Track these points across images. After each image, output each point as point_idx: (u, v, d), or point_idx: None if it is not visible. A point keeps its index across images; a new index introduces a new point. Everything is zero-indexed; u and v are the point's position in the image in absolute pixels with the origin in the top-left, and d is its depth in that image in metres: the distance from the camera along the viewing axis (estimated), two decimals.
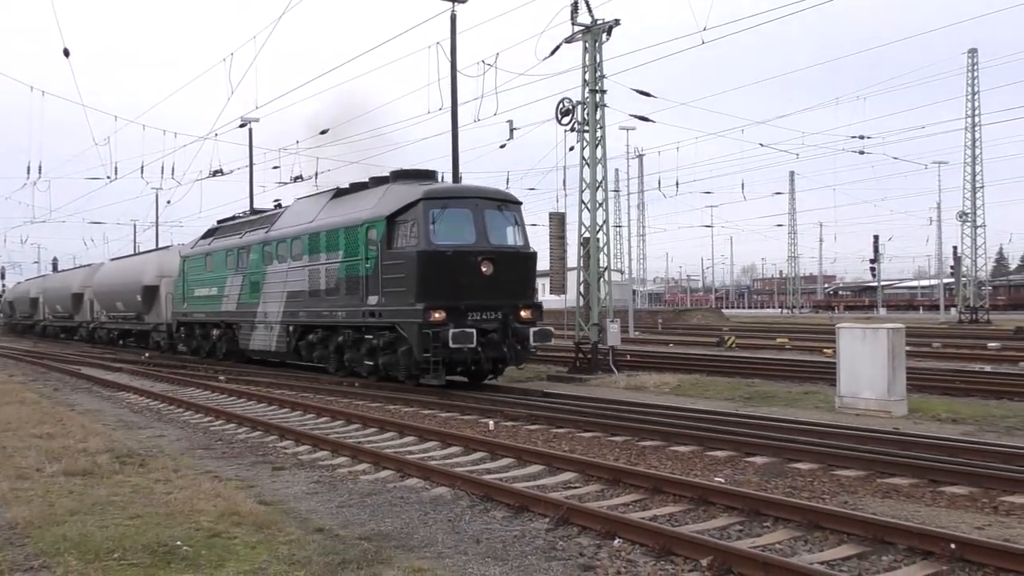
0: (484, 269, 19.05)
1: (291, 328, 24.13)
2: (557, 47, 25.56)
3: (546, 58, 27.75)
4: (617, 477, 9.74)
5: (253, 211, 29.69)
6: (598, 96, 24.39)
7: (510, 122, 23.31)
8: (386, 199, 20.39)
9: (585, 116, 23.60)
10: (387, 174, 22.02)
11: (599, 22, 26.23)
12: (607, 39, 26.82)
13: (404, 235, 19.41)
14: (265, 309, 25.58)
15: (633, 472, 9.84)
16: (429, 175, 21.30)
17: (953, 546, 6.74)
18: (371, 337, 20.30)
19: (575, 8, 26.04)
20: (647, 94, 27.02)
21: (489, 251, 19.23)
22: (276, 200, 28.79)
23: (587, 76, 24.85)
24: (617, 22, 26.94)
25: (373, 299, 20.12)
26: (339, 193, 23.58)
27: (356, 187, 23.08)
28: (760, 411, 15.56)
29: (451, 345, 18.18)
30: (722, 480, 9.77)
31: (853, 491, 9.33)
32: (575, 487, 9.68)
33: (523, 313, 19.72)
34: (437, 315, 18.57)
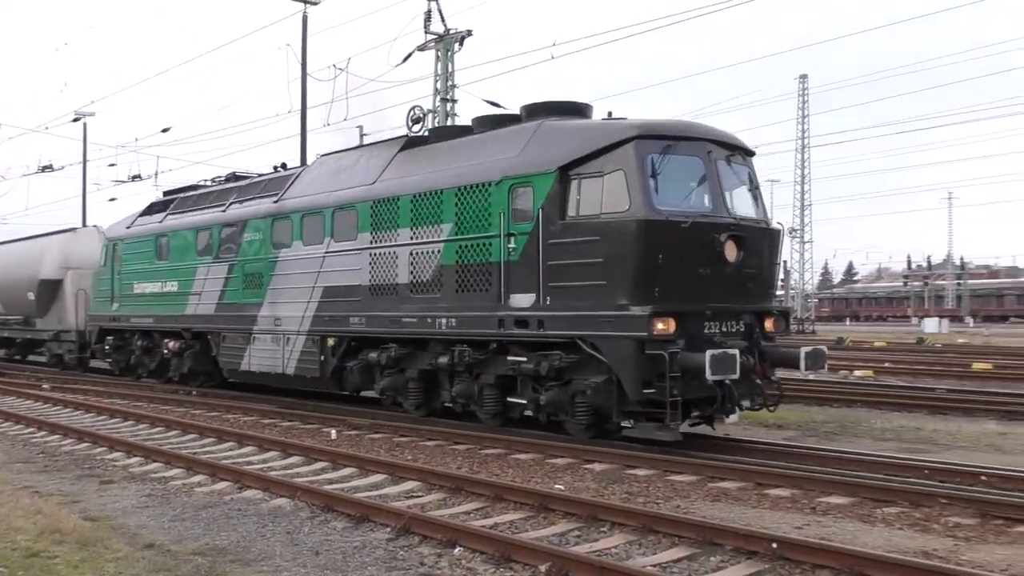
0: (728, 254, 11.89)
1: (328, 342, 16.22)
2: (409, 54, 27.13)
3: (398, 65, 29.62)
4: (459, 485, 9.85)
5: (235, 176, 21.45)
6: (449, 105, 25.83)
7: (360, 127, 22.97)
8: (544, 141, 12.90)
9: (436, 124, 23.90)
10: (516, 112, 14.50)
11: (452, 32, 27.56)
12: (459, 49, 28.50)
13: (595, 196, 11.99)
14: (274, 313, 17.53)
15: (475, 480, 10.01)
16: (581, 110, 13.92)
17: (775, 545, 7.10)
18: (522, 360, 12.70)
19: (428, 17, 27.45)
20: (497, 105, 26.97)
21: (734, 225, 12.09)
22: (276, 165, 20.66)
23: (439, 85, 26.23)
24: (470, 33, 28.26)
25: (523, 298, 12.62)
26: (414, 143, 15.84)
27: (447, 132, 15.42)
28: None
29: (710, 377, 10.93)
30: (562, 487, 9.90)
31: (686, 495, 9.67)
32: (418, 496, 9.73)
33: (768, 324, 12.63)
34: (663, 325, 11.28)
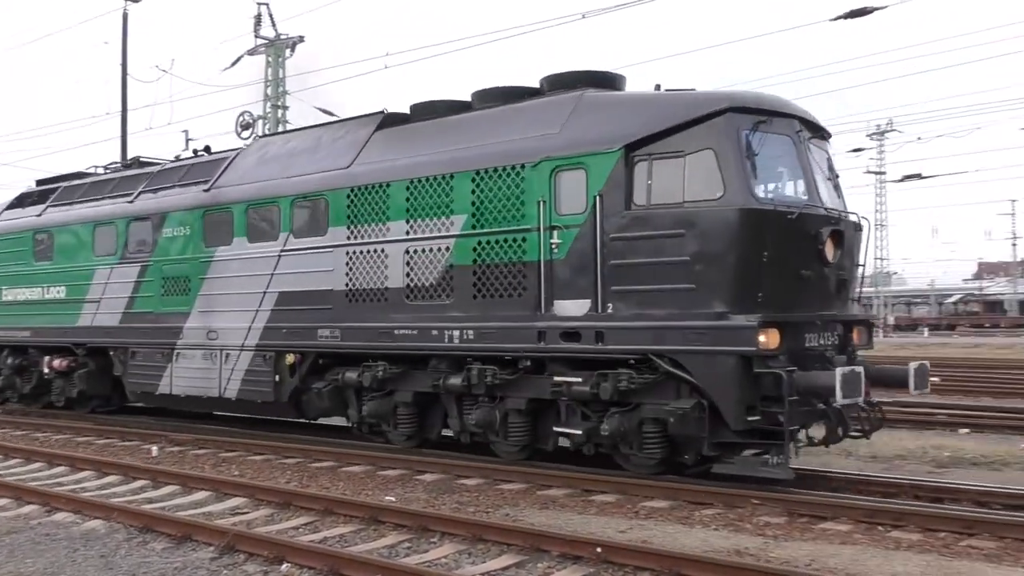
0: (828, 252, 10.00)
1: (286, 359, 13.40)
2: (239, 58, 27.41)
3: (227, 68, 28.43)
4: (288, 500, 9.66)
5: (139, 162, 18.03)
6: (280, 112, 26.29)
7: (186, 131, 21.66)
8: (592, 116, 10.67)
9: (267, 131, 23.42)
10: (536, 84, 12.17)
11: (283, 37, 28.04)
12: (291, 55, 28.40)
13: (673, 181, 9.85)
14: (207, 324, 14.52)
15: (304, 494, 9.81)
16: (615, 81, 11.76)
17: (599, 550, 7.30)
18: (574, 381, 10.39)
19: (258, 21, 27.39)
20: (329, 112, 26.66)
21: (835, 219, 10.23)
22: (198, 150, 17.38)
23: (269, 90, 26.66)
24: (301, 39, 28.38)
25: (572, 306, 10.35)
26: (395, 120, 13.25)
27: (440, 108, 12.89)
28: None
29: (840, 400, 9.00)
30: (393, 499, 9.79)
31: (515, 503, 9.67)
32: (244, 512, 9.47)
33: (855, 335, 10.82)
34: (769, 338, 9.27)
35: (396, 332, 11.99)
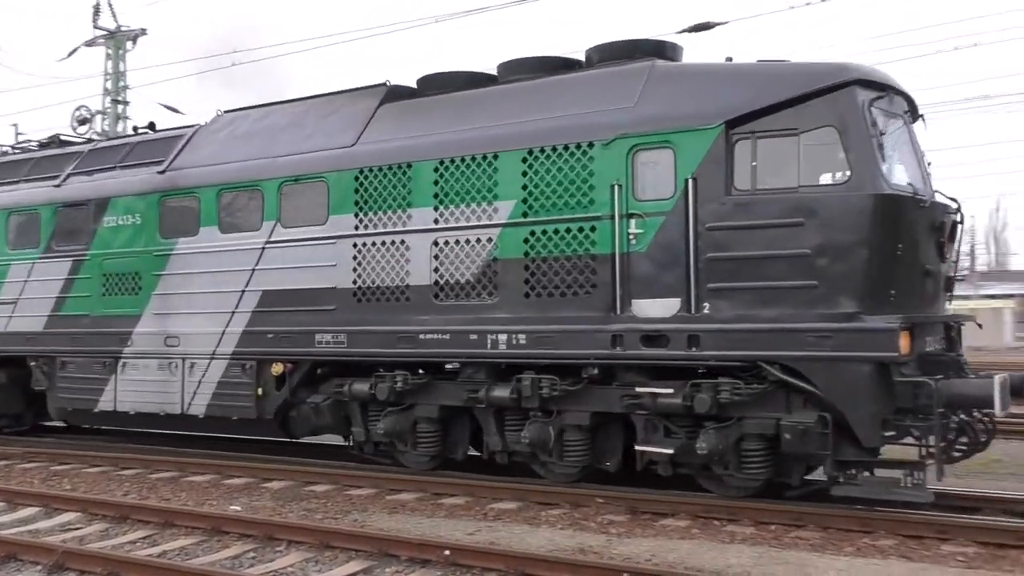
0: (943, 242, 8.98)
1: (271, 369, 11.50)
2: (75, 49, 26.16)
3: (62, 59, 29.98)
4: (125, 514, 9.28)
5: (59, 140, 15.48)
6: (120, 107, 25.47)
7: (15, 126, 22.62)
8: (673, 89, 9.31)
9: (105, 127, 23.16)
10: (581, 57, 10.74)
11: (124, 29, 26.88)
12: (132, 48, 27.44)
13: (785, 163, 8.62)
14: (165, 328, 12.42)
15: (142, 507, 9.44)
16: (672, 51, 10.43)
17: (448, 552, 7.34)
18: (663, 392, 8.97)
19: (97, 11, 26.21)
20: (175, 110, 26.19)
21: (953, 210, 9.24)
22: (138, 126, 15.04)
23: (108, 84, 25.68)
24: (144, 31, 27.38)
25: (655, 305, 8.98)
26: (401, 93, 11.57)
27: (459, 81, 11.28)
28: None
29: (1000, 411, 7.96)
30: (238, 508, 9.61)
31: (364, 508, 9.55)
32: (76, 528, 9.05)
33: (955, 334, 9.83)
34: (905, 342, 8.14)
35: (421, 337, 10.31)
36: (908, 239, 8.34)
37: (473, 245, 10.08)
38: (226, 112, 13.21)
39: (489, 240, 9.97)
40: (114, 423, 13.55)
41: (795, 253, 8.37)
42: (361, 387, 10.77)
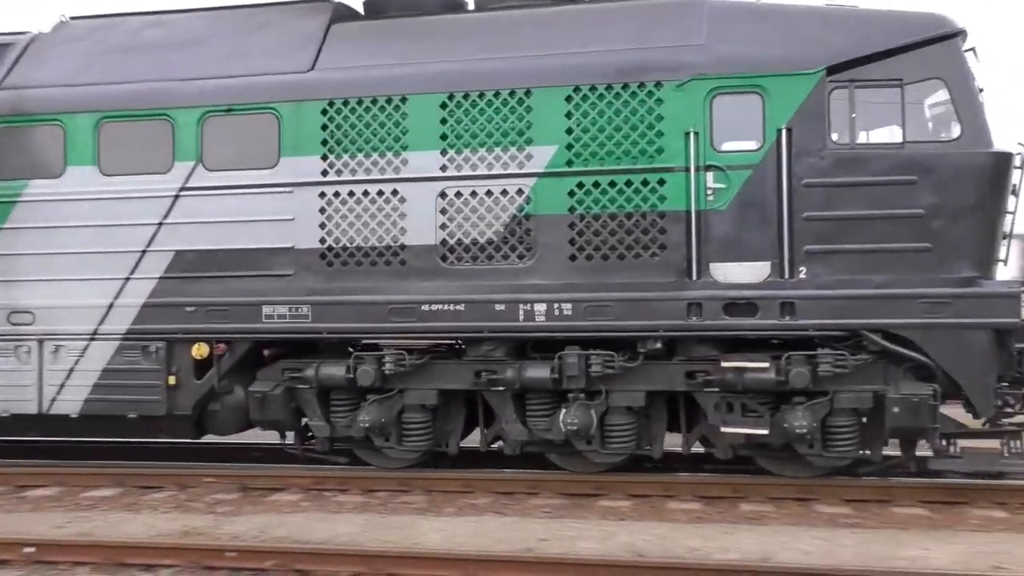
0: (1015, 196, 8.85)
1: (190, 352, 9.01)
2: None
3: None
4: None
5: None
6: None
7: None
8: (752, 28, 8.29)
9: None
10: None
11: None
12: None
13: (887, 116, 8.00)
14: (4, 300, 9.35)
15: None
16: None
17: (31, 550, 6.82)
18: (756, 367, 7.97)
19: None
20: None
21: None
22: None
23: None
24: None
25: (741, 270, 8.01)
26: (359, 14, 9.53)
27: (428, 4, 9.44)
28: None
29: None
30: None
31: None
32: None
33: None
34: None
35: (424, 308, 8.48)
36: (1012, 201, 8.06)
37: (497, 198, 8.43)
38: (75, 18, 10.16)
39: (519, 192, 8.38)
40: None
41: (907, 213, 7.77)
42: (333, 371, 8.69)
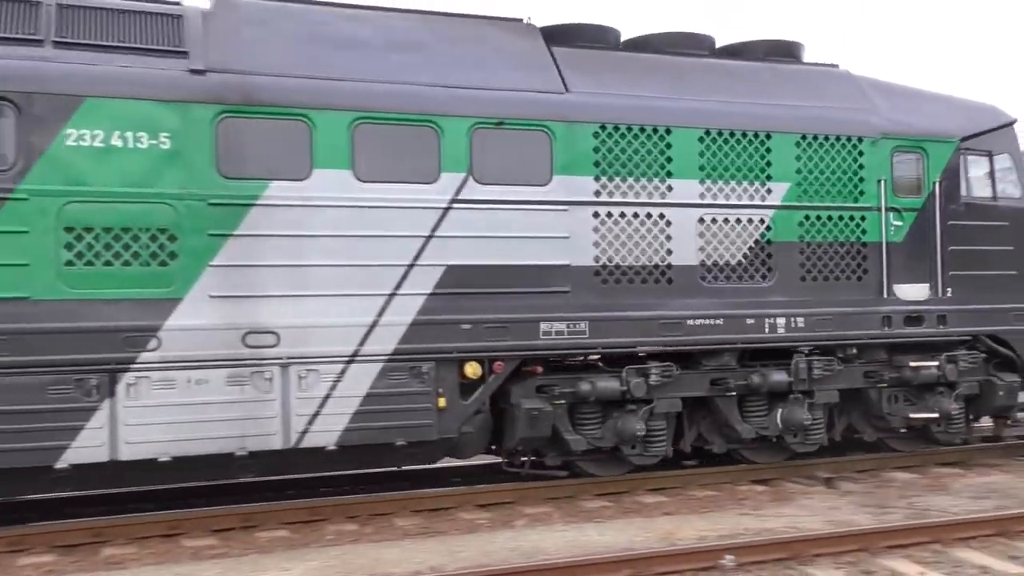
0: None
1: (466, 370, 8.69)
2: None
3: None
4: None
5: None
6: None
7: None
8: (895, 102, 10.61)
9: None
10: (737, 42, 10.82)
11: None
12: None
13: (986, 177, 10.88)
14: (239, 319, 8.02)
15: None
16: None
17: None
18: (930, 364, 10.21)
19: None
20: None
21: None
22: None
23: None
24: None
25: (912, 289, 10.30)
26: (568, 36, 9.83)
27: (663, 41, 10.18)
28: None
29: None
30: None
31: None
32: None
33: None
34: None
35: (689, 323, 9.34)
36: None
37: (745, 225, 9.60)
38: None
39: (762, 221, 9.66)
40: (98, 484, 7.81)
41: (1002, 249, 10.70)
42: (610, 384, 9.07)
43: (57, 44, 7.82)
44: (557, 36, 9.79)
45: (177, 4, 8.59)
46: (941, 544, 7.26)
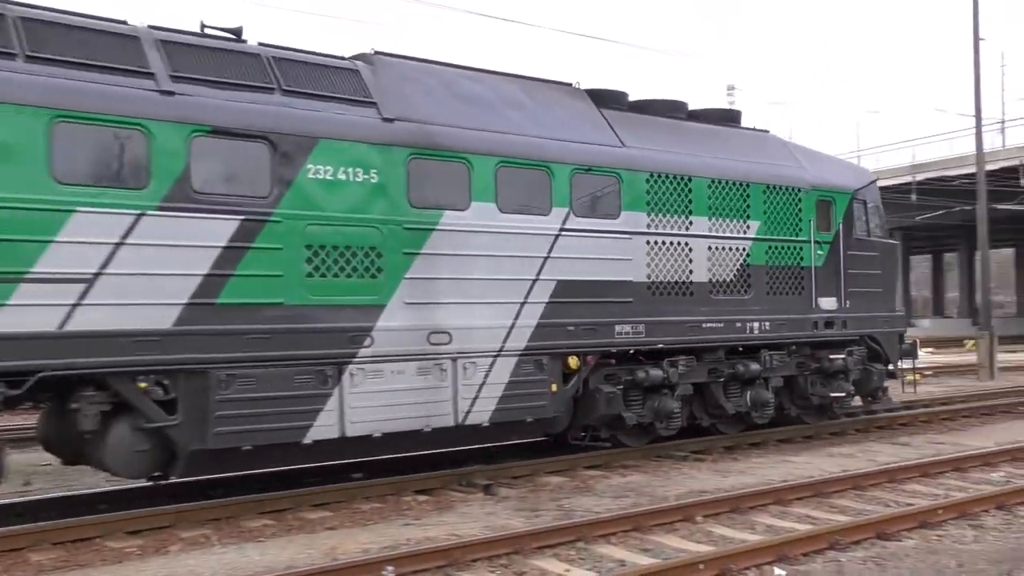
0: None
1: (569, 362, 11.14)
2: None
3: None
4: None
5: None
6: None
7: None
8: (809, 159, 14.33)
9: None
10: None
11: None
12: None
13: (864, 221, 14.84)
14: (425, 322, 9.98)
15: None
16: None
17: None
18: (840, 357, 13.95)
19: None
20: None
21: None
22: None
23: None
24: None
25: (827, 302, 14.01)
26: (606, 98, 12.49)
27: (658, 106, 13.10)
28: None
29: None
30: None
31: None
32: None
33: None
34: None
35: (704, 326, 12.38)
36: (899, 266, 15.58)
37: (735, 252, 12.78)
38: (380, 54, 10.76)
39: (744, 249, 12.89)
40: (321, 458, 9.31)
41: (875, 273, 14.73)
42: (657, 372, 11.86)
43: (285, 92, 9.39)
44: (594, 97, 12.44)
45: (342, 58, 10.32)
46: (584, 542, 7.86)
